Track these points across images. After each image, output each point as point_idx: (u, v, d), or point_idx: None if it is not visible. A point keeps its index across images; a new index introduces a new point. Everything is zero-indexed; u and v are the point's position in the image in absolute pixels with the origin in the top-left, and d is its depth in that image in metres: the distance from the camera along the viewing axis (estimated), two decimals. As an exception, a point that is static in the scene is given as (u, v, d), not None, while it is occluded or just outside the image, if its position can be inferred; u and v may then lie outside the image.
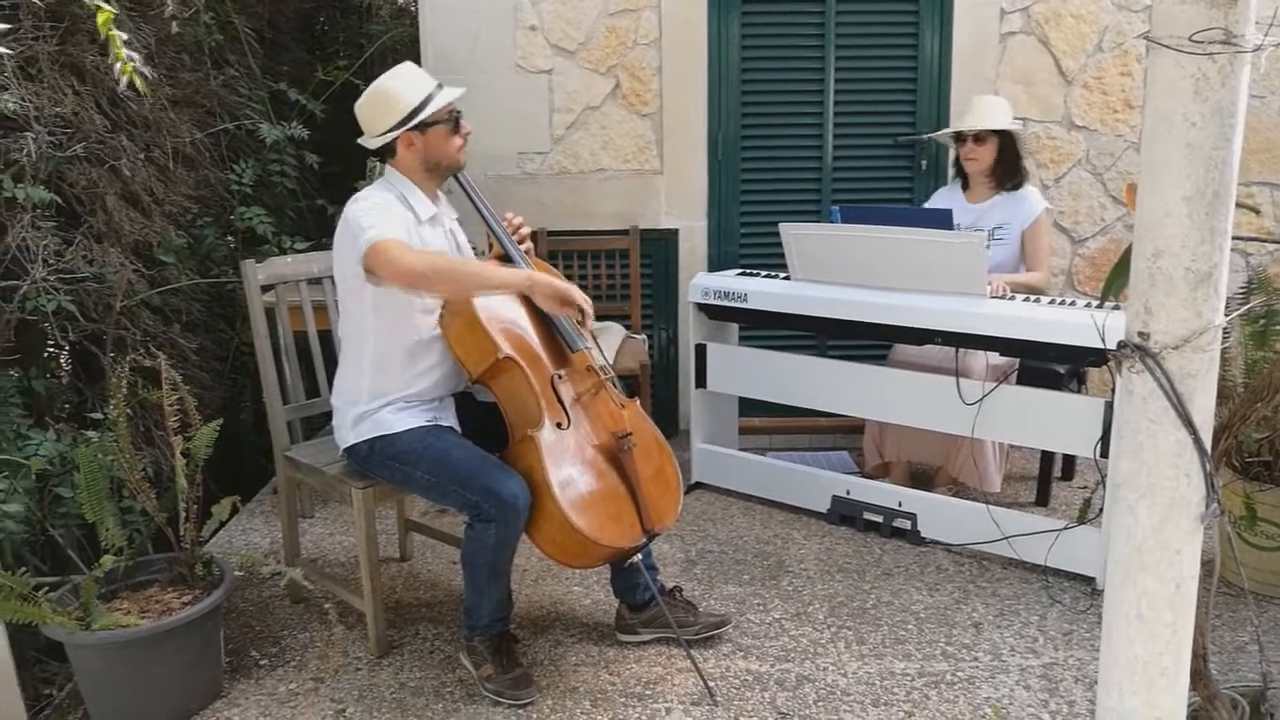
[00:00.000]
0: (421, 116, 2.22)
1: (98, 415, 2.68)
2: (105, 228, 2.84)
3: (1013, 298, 2.88)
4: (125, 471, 2.23)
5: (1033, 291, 3.04)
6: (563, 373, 2.30)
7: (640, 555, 2.33)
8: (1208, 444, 1.22)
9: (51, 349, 2.91)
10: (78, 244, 2.72)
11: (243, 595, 2.73)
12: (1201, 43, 1.12)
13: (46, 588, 2.10)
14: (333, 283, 2.44)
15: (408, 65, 2.30)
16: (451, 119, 2.29)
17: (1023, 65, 3.79)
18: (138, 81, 1.67)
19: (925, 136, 3.48)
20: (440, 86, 2.28)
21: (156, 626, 2.07)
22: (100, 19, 1.49)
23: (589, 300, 2.21)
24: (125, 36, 1.64)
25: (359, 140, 2.32)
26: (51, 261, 2.58)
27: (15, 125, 2.58)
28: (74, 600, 2.13)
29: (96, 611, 2.04)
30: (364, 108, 2.27)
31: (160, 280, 3.08)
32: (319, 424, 3.53)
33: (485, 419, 2.36)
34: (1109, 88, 3.80)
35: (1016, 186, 3.23)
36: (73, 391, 2.94)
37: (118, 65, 1.61)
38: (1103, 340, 2.18)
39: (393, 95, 2.23)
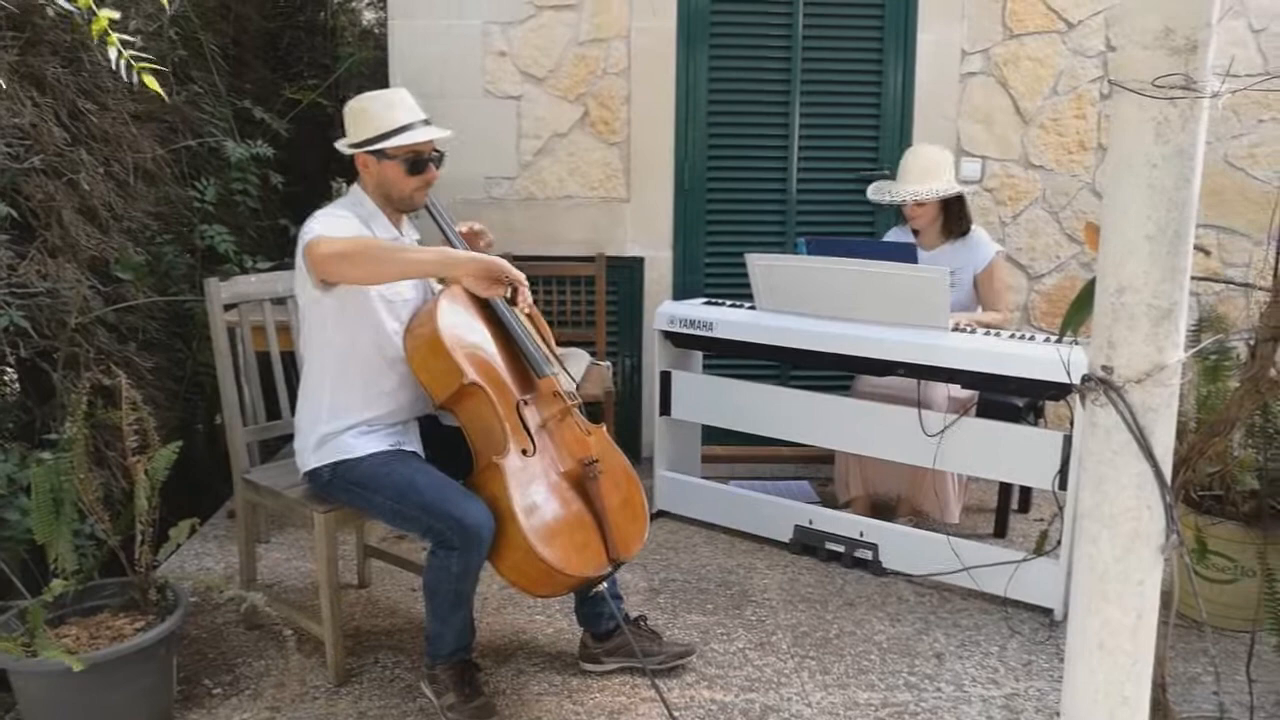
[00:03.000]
0: (379, 145, 2.20)
1: (50, 435, 2.60)
2: (61, 242, 2.78)
3: (974, 331, 2.93)
4: (80, 493, 2.17)
5: (993, 328, 3.09)
6: (529, 398, 2.29)
7: (605, 584, 2.31)
8: (1168, 476, 1.25)
9: (-2, 366, 2.83)
10: (32, 258, 2.66)
11: (196, 621, 2.66)
12: (1163, 87, 1.16)
13: (-11, 613, 2.03)
14: (296, 302, 2.41)
15: (400, 91, 2.28)
16: (409, 159, 2.22)
17: (982, 105, 3.89)
18: (149, 81, 1.63)
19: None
20: (426, 123, 2.23)
21: (106, 654, 2.00)
22: (95, 27, 1.46)
23: (520, 274, 2.10)
24: (126, 36, 1.61)
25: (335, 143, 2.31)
26: (4, 275, 2.52)
27: (-29, 136, 2.53)
28: (19, 626, 2.05)
29: (44, 639, 1.97)
30: (345, 113, 2.27)
31: (117, 297, 3.01)
32: (276, 447, 3.46)
33: (450, 444, 2.33)
34: (1064, 129, 3.91)
35: (964, 233, 3.30)
36: (19, 410, 2.85)
37: (122, 63, 1.57)
38: (1068, 374, 2.23)
39: (366, 113, 2.23)
